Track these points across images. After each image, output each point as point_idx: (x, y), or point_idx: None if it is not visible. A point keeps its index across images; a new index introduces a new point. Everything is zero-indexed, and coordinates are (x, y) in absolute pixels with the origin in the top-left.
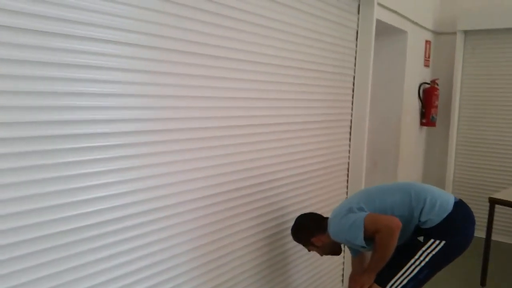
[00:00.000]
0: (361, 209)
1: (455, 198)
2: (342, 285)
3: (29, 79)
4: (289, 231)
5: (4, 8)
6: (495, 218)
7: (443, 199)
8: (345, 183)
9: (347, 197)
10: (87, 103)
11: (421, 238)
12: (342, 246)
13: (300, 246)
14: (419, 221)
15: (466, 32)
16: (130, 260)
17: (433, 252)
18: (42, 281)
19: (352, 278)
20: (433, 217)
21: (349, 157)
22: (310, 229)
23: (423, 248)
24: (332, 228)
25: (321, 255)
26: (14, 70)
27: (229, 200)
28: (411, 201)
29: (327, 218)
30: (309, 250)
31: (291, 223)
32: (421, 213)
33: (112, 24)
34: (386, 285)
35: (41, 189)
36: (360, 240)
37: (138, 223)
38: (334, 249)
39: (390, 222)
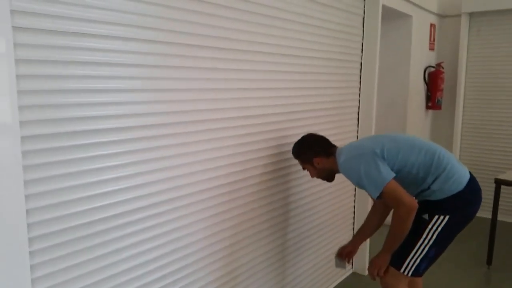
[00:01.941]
0: (382, 157)
1: (470, 173)
2: (352, 267)
3: (50, 78)
4: (299, 217)
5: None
6: (500, 198)
7: (460, 174)
8: None
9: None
10: (102, 99)
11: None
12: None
13: (311, 231)
14: (429, 188)
15: (470, 14)
16: (151, 248)
17: (439, 229)
18: (71, 269)
19: (370, 263)
20: (445, 189)
21: None
22: (316, 148)
23: (429, 226)
24: (345, 162)
25: (313, 176)
26: (37, 70)
27: (241, 189)
28: (431, 166)
29: (334, 145)
30: (303, 169)
31: (299, 210)
32: (434, 180)
33: (126, 22)
34: (401, 267)
35: (67, 183)
36: (373, 195)
37: (156, 213)
38: (329, 176)
39: (410, 202)
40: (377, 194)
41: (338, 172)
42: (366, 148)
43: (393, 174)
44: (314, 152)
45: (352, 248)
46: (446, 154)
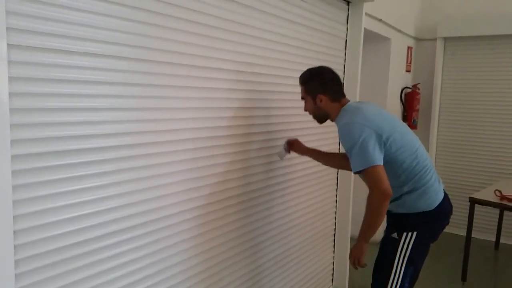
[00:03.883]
0: (383, 144)
1: (444, 193)
2: (332, 284)
3: (41, 96)
4: (280, 236)
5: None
6: (475, 216)
7: (435, 193)
8: (335, 186)
9: (336, 198)
10: (79, 119)
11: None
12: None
13: (292, 249)
14: (401, 197)
15: (445, 39)
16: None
17: (410, 245)
18: (49, 281)
19: (349, 254)
20: (416, 204)
21: None
22: (328, 86)
23: (401, 244)
24: (348, 125)
25: (306, 110)
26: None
27: (219, 209)
28: (414, 177)
29: (345, 95)
30: (302, 98)
31: (281, 228)
32: (409, 192)
33: (116, 40)
34: None
35: (55, 203)
36: (354, 168)
37: (142, 233)
38: (321, 118)
39: (386, 189)
40: (359, 169)
41: (332, 120)
42: (374, 126)
43: (382, 163)
44: (324, 88)
45: (301, 152)
46: (431, 171)
